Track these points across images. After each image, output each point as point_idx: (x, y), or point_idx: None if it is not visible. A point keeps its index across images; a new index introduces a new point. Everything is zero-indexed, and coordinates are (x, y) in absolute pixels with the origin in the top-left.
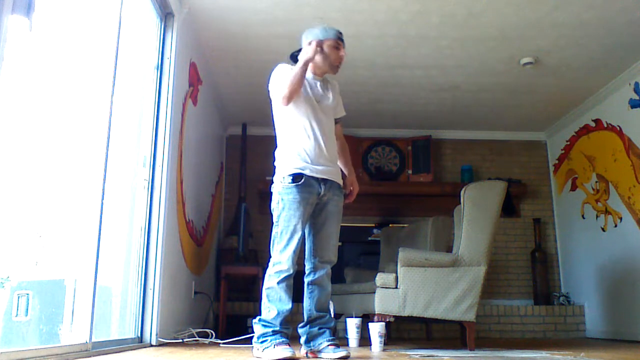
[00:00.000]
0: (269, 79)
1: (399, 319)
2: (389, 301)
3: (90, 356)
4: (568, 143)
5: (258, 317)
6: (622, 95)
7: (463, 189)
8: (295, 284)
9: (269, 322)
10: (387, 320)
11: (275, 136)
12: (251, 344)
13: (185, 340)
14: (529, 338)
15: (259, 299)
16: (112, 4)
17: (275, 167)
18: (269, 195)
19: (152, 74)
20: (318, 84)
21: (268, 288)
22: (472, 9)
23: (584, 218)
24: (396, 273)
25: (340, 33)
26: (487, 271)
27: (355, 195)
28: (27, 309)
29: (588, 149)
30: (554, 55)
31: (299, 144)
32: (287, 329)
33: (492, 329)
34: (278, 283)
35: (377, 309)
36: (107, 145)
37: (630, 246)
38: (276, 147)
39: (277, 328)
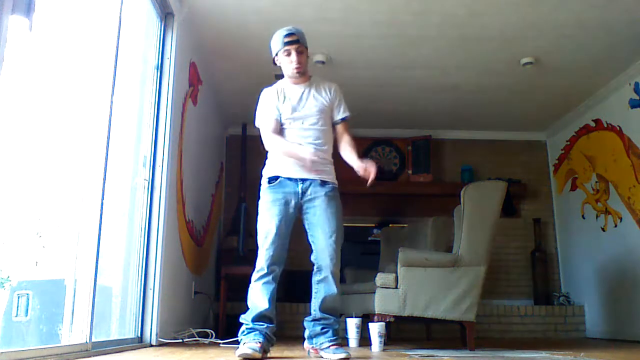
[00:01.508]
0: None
1: (399, 319)
2: (389, 301)
3: (90, 356)
4: (568, 143)
5: (242, 315)
6: (622, 95)
7: (463, 189)
8: (295, 284)
9: (245, 319)
10: (387, 320)
11: None
12: None
13: (185, 340)
14: (529, 338)
15: None
16: (112, 4)
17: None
18: None
19: (152, 74)
20: (300, 91)
21: (251, 286)
22: (473, 9)
23: (584, 218)
24: (396, 273)
25: (287, 35)
26: (487, 271)
27: (372, 173)
28: (27, 309)
29: (588, 149)
30: (554, 55)
31: (277, 152)
32: (262, 326)
33: (492, 329)
34: (255, 281)
35: (377, 309)
36: (107, 145)
37: (630, 246)
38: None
39: (250, 325)
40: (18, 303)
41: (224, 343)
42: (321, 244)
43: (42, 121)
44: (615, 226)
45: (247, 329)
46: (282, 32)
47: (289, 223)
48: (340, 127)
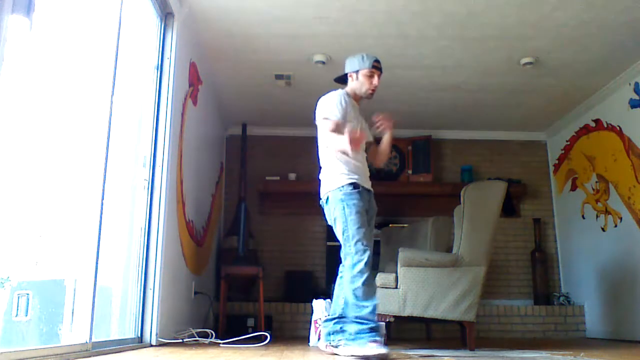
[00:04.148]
0: (317, 103)
1: (399, 319)
2: (389, 301)
3: (90, 356)
4: (568, 143)
5: (354, 315)
6: (622, 95)
7: (463, 189)
8: (295, 284)
9: (364, 319)
10: (387, 320)
11: (318, 148)
12: (252, 344)
13: (185, 340)
14: (529, 338)
15: (258, 299)
16: (112, 4)
17: (330, 174)
18: (269, 195)
19: (152, 74)
20: (357, 111)
21: (355, 289)
22: (472, 9)
23: (584, 218)
24: (396, 273)
25: (377, 61)
26: (487, 271)
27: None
28: (27, 309)
29: (588, 149)
30: (554, 55)
31: (352, 159)
32: (378, 324)
33: (492, 329)
34: (363, 284)
35: (377, 309)
36: (107, 145)
37: (630, 246)
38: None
39: (373, 325)
40: (18, 303)
41: (224, 343)
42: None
43: (43, 121)
44: (615, 226)
45: (369, 328)
46: (371, 56)
47: None
48: (372, 148)
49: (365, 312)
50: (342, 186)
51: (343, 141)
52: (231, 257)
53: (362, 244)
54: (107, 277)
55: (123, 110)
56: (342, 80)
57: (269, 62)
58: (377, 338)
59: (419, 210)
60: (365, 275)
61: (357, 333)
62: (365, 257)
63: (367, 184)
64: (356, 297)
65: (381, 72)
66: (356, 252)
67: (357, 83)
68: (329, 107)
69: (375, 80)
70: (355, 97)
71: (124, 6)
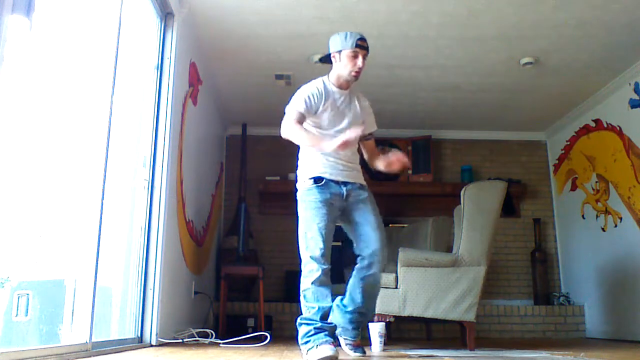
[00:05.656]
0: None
1: (399, 319)
2: (389, 301)
3: (90, 356)
4: (568, 143)
5: (300, 317)
6: (622, 95)
7: (463, 189)
8: (295, 284)
9: (309, 320)
10: (387, 320)
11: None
12: (252, 344)
13: (185, 340)
14: (529, 338)
15: (258, 299)
16: (112, 4)
17: (297, 175)
18: (269, 195)
19: (152, 74)
20: (342, 97)
21: (304, 289)
22: (472, 9)
23: (584, 218)
24: (396, 273)
25: (361, 39)
26: (487, 271)
27: (399, 157)
28: (27, 309)
29: (588, 149)
30: (554, 55)
31: (321, 156)
32: (330, 325)
33: (492, 329)
34: (312, 283)
35: (377, 309)
36: (107, 146)
37: (630, 246)
38: (298, 153)
39: (319, 324)
40: (18, 303)
41: (224, 343)
42: (373, 241)
43: (43, 121)
44: (615, 226)
45: (315, 329)
46: (355, 34)
47: (334, 223)
48: (370, 143)
49: (311, 313)
50: (304, 181)
51: (303, 138)
52: (231, 257)
53: (314, 242)
54: (107, 277)
55: (123, 110)
56: (328, 59)
57: (269, 62)
58: (324, 339)
59: (419, 210)
60: (315, 276)
61: (305, 335)
62: (316, 257)
63: (341, 177)
64: (305, 298)
65: (367, 51)
66: (307, 249)
67: (340, 65)
68: (295, 99)
69: (360, 61)
70: (340, 82)
71: (124, 6)
